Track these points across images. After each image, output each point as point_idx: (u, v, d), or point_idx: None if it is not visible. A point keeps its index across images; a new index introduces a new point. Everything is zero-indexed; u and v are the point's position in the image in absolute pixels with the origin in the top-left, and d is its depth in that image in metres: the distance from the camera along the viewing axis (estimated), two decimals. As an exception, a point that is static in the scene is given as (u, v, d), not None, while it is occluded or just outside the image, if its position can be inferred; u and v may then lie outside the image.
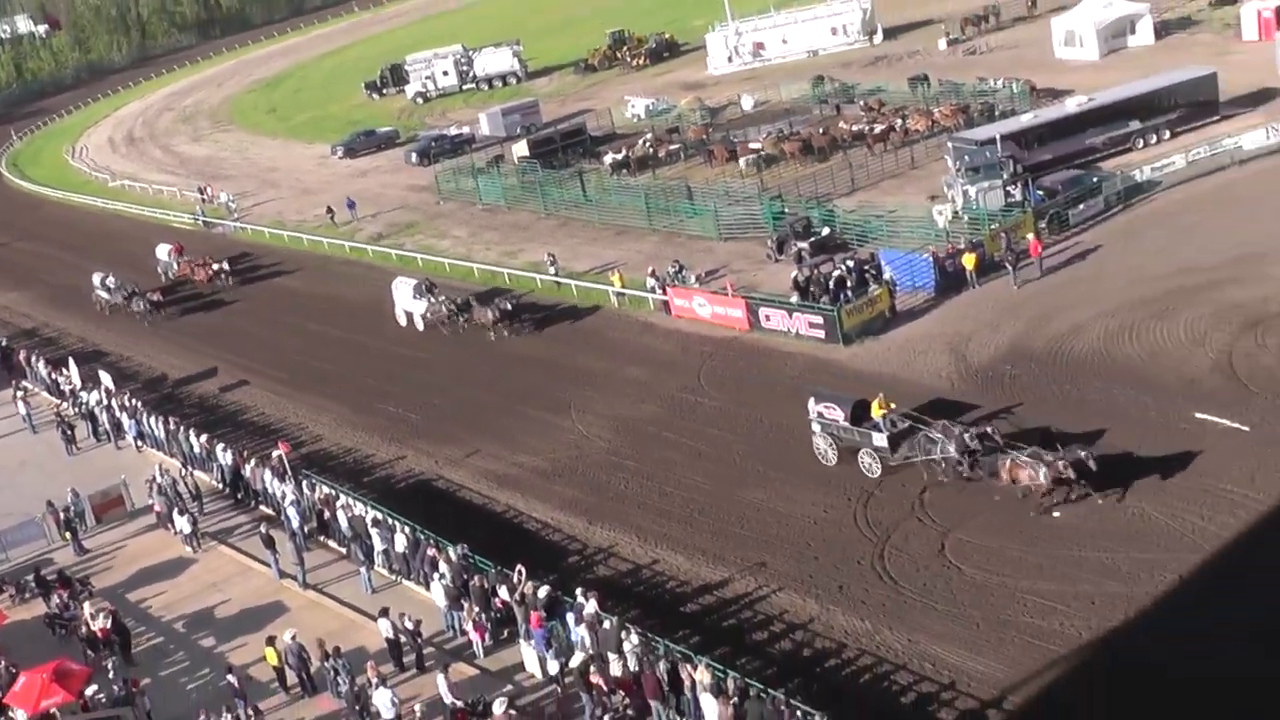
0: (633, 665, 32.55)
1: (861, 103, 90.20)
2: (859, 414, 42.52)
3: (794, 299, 55.98)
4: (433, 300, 64.66)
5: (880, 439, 41.68)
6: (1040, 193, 63.34)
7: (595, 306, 63.72)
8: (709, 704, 30.64)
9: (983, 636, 34.04)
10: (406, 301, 66.30)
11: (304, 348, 67.28)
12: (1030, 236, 57.92)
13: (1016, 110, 78.46)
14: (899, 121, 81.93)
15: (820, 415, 43.49)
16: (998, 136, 67.92)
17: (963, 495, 40.62)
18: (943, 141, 73.89)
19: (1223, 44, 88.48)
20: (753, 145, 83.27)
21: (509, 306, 61.43)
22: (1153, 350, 48.11)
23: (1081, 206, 62.52)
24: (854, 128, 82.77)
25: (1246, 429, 41.65)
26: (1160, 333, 49.17)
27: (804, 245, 62.29)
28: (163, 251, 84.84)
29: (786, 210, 67.54)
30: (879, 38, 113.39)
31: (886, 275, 56.43)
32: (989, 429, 41.10)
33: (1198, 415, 42.84)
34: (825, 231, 64.41)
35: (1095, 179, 64.97)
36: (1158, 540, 36.72)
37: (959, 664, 33.14)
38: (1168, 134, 70.63)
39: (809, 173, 76.51)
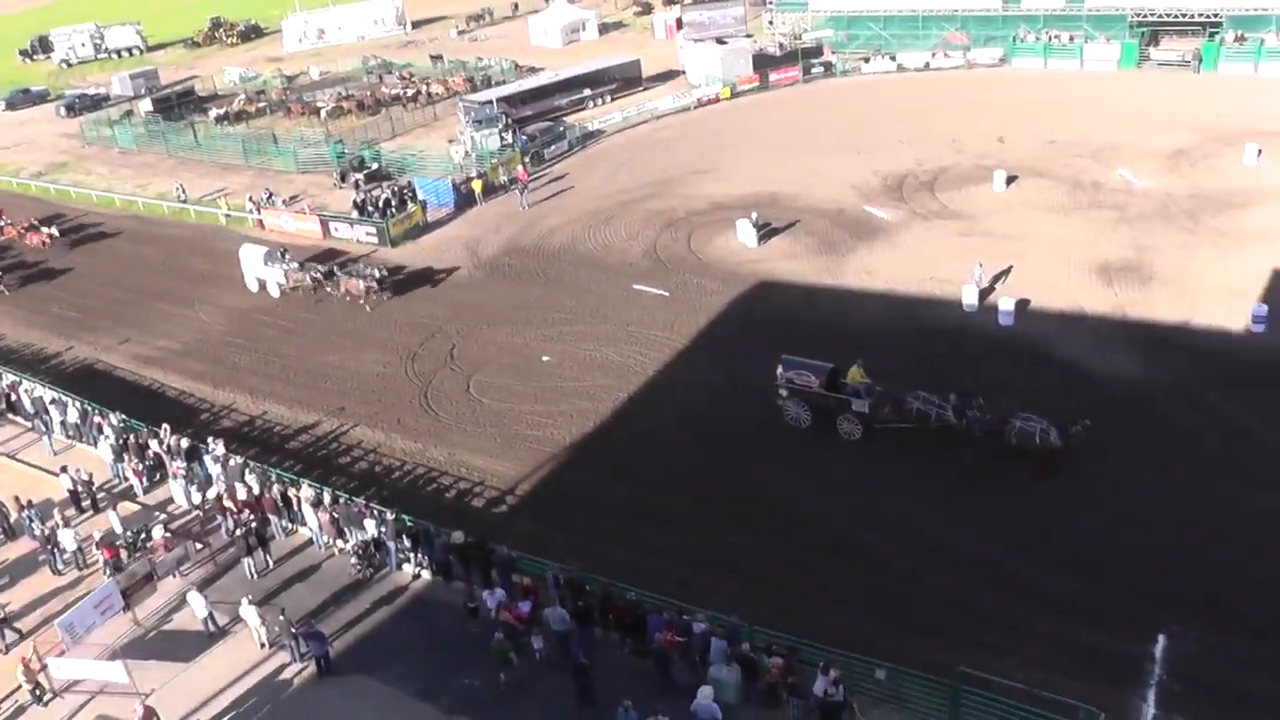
0: (255, 490, 30.57)
1: (398, 74, 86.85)
2: (834, 380, 32.68)
3: (354, 215, 53.51)
4: (288, 267, 47.01)
5: (861, 404, 32.07)
6: (525, 137, 62.78)
7: (209, 224, 58.58)
8: (310, 513, 29.53)
9: (500, 447, 33.94)
10: (258, 269, 47.94)
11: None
12: (519, 168, 57.51)
13: (506, 80, 77.38)
14: (425, 87, 79.65)
15: (790, 381, 32.91)
16: (494, 99, 66.81)
17: (478, 349, 40.13)
18: (456, 101, 72.03)
19: (643, 40, 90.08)
20: (320, 104, 78.99)
21: (378, 274, 45.52)
22: (604, 244, 48.66)
23: (553, 147, 62.49)
24: (393, 92, 79.68)
25: (666, 294, 42.91)
26: (608, 232, 49.80)
27: (360, 176, 59.42)
28: None
29: (346, 151, 64.32)
30: (408, 27, 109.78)
31: (420, 197, 54.70)
32: (979, 398, 31.10)
33: (635, 286, 43.78)
34: (375, 166, 61.71)
35: (561, 128, 64.87)
36: (613, 372, 37.45)
37: (485, 467, 33.01)
38: (609, 98, 71.20)
39: (362, 124, 73.02)
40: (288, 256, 48.02)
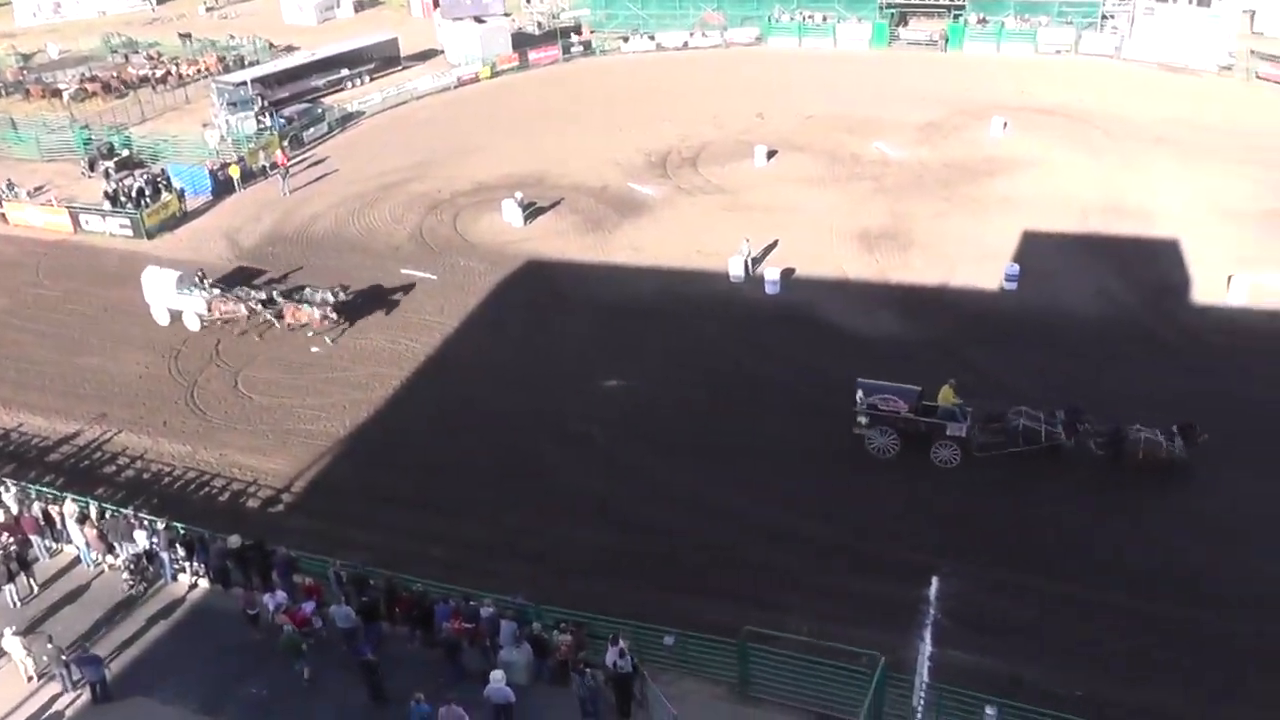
0: (14, 510, 27.91)
1: (145, 53, 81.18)
2: (921, 402, 29.46)
3: (106, 206, 49.68)
4: (210, 294, 38.83)
5: (958, 428, 28.91)
6: (282, 120, 59.98)
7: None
8: (76, 530, 27.21)
9: (272, 444, 32.38)
10: (169, 298, 39.19)
11: None
12: (278, 152, 54.88)
13: (260, 61, 73.60)
14: (175, 68, 74.58)
15: (873, 408, 29.33)
16: (249, 80, 63.30)
17: (245, 344, 38.09)
18: (208, 83, 68.03)
19: (401, 18, 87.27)
20: (61, 86, 72.87)
21: (334, 297, 38.13)
22: (369, 228, 47.00)
23: (312, 130, 59.91)
24: (141, 73, 74.00)
25: (435, 277, 41.98)
26: (373, 216, 48.12)
27: (110, 164, 55.20)
28: None
29: (93, 137, 59.74)
30: (154, 3, 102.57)
31: (175, 185, 51.19)
32: (1079, 405, 29.25)
33: (403, 271, 42.58)
34: (125, 153, 57.46)
35: (320, 110, 62.27)
36: (385, 359, 36.42)
37: (258, 466, 31.39)
38: (368, 78, 68.83)
39: (109, 107, 67.65)
40: (208, 280, 39.97)
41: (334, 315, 37.95)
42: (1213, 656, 23.41)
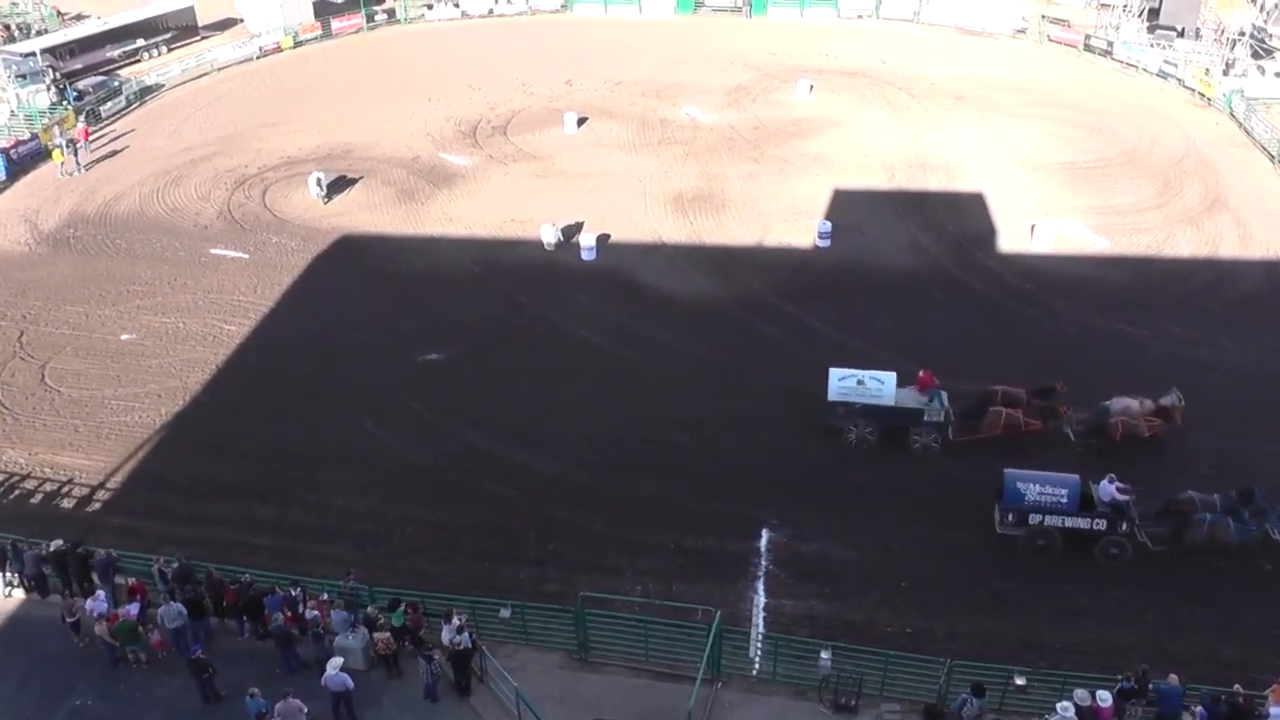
0: None
1: (-81, 22, 72.63)
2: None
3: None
4: None
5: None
6: (75, 93, 54.88)
7: None
8: None
9: (85, 439, 29.49)
10: None
11: None
12: (78, 127, 50.16)
13: (49, 29, 66.95)
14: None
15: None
16: (38, 50, 57.40)
17: (50, 333, 34.47)
18: (-7, 53, 61.68)
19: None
20: None
21: None
22: (174, 207, 43.35)
23: (109, 104, 54.91)
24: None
25: (246, 256, 39.28)
26: (178, 194, 44.41)
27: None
28: None
29: None
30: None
31: (-36, 166, 46.22)
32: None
33: (212, 251, 39.66)
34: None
35: (117, 83, 57.09)
36: (199, 343, 33.71)
37: (72, 463, 28.49)
38: (165, 49, 63.56)
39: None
40: None
41: None
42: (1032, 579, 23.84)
